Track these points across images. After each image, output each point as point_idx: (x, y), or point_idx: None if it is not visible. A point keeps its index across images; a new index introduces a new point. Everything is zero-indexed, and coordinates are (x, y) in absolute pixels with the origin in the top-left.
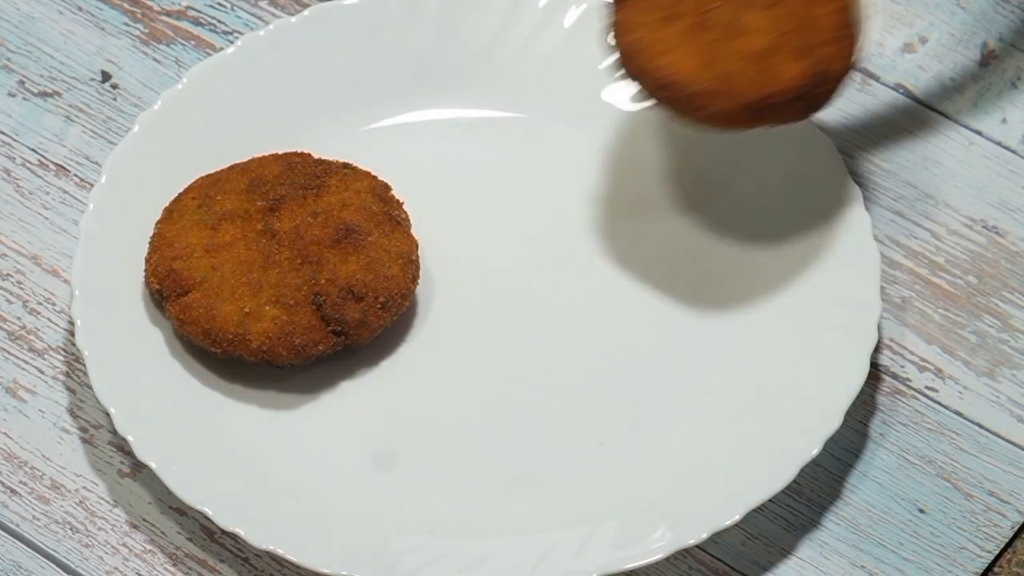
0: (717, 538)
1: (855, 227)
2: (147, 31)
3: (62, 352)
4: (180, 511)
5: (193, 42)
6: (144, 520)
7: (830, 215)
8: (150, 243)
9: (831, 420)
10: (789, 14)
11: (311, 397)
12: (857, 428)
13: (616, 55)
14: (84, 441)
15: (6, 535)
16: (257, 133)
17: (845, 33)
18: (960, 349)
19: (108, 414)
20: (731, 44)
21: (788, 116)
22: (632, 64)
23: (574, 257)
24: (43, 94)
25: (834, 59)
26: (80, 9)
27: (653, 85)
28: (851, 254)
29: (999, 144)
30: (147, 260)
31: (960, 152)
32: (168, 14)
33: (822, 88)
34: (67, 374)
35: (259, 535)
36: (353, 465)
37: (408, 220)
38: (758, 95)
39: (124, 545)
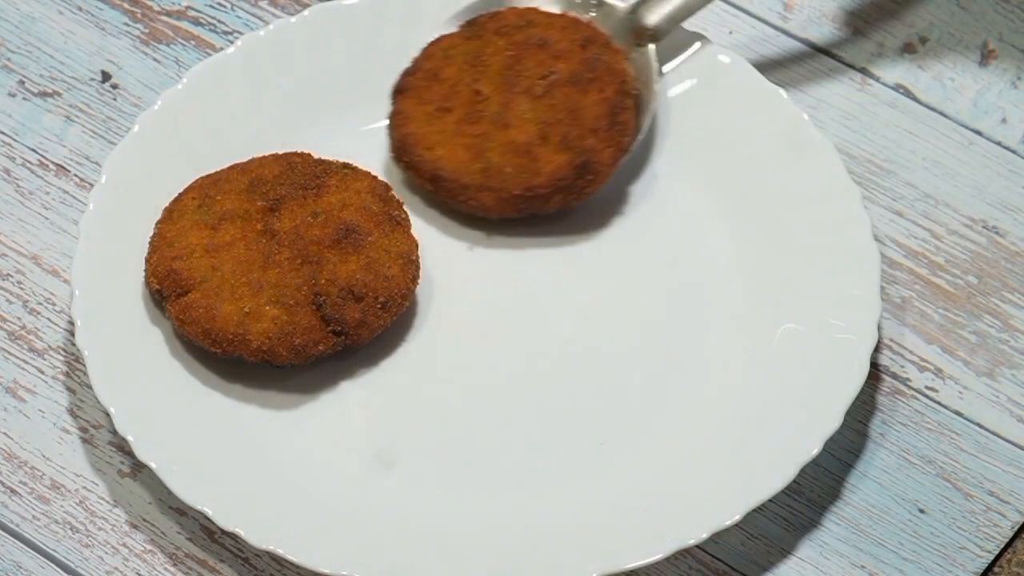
0: (717, 538)
1: (855, 227)
2: (147, 31)
3: (62, 352)
4: (180, 511)
5: (193, 42)
6: (144, 520)
7: (830, 215)
8: (150, 243)
9: (831, 420)
10: (557, 104)
11: (311, 397)
12: (857, 428)
13: (392, 145)
14: (84, 441)
15: (6, 535)
16: (257, 133)
17: (612, 122)
18: (960, 349)
19: (108, 414)
20: (498, 136)
21: (554, 204)
22: (404, 156)
23: (575, 256)
24: (43, 94)
25: (598, 150)
26: (80, 9)
27: (423, 177)
28: (851, 254)
29: (999, 144)
30: (147, 260)
31: (960, 152)
32: (168, 14)
33: (586, 178)
34: (67, 374)
35: (259, 535)
36: (353, 465)
37: (408, 220)
38: (520, 188)
39: (124, 545)
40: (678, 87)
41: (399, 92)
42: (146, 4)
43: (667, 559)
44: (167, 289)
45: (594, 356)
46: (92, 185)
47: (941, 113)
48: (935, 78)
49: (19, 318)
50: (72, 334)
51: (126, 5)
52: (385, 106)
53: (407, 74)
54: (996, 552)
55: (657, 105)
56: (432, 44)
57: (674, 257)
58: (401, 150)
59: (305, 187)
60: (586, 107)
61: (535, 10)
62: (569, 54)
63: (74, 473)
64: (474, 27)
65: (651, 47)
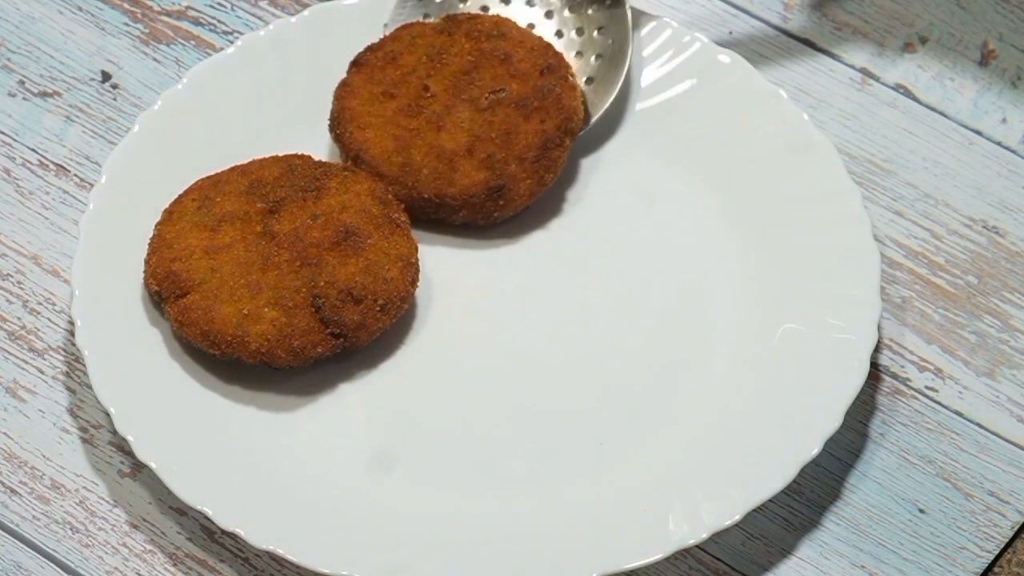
0: (717, 538)
1: (855, 227)
2: (147, 31)
3: (62, 352)
4: (180, 511)
5: (193, 42)
6: (144, 520)
7: (830, 215)
8: (149, 244)
9: (831, 420)
10: (496, 122)
11: (310, 399)
12: (857, 428)
13: (331, 114)
14: (84, 441)
15: (6, 535)
16: (257, 133)
17: (540, 155)
18: (960, 349)
19: (108, 414)
20: (429, 136)
21: (460, 218)
22: (336, 128)
23: (574, 257)
24: (43, 94)
25: (518, 179)
26: (80, 9)
27: (347, 153)
28: (851, 254)
29: (999, 144)
30: (146, 261)
31: (960, 152)
32: (168, 14)
33: (498, 203)
34: (67, 374)
35: (259, 535)
36: (353, 466)
37: (408, 223)
38: (430, 193)
39: (124, 545)
40: (678, 87)
41: (355, 64)
42: (146, 4)
43: (667, 559)
44: (166, 291)
45: (594, 357)
46: (92, 185)
47: (941, 113)
48: (935, 78)
49: (19, 318)
50: (72, 334)
51: (126, 5)
52: None
53: (369, 49)
54: (996, 552)
55: (631, 65)
56: (403, 27)
57: (674, 257)
58: (335, 122)
59: (305, 189)
60: (522, 133)
61: (512, 24)
62: (526, 76)
63: (74, 473)
64: (450, 22)
65: (628, 5)
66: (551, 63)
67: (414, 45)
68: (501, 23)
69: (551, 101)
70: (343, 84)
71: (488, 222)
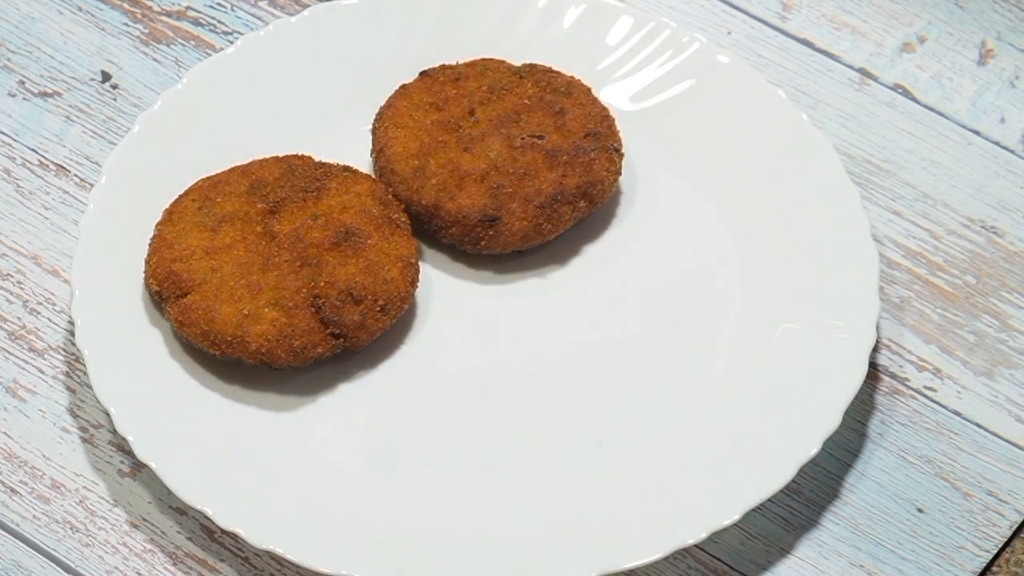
0: (716, 538)
1: (853, 227)
2: (147, 31)
3: (62, 352)
4: (180, 511)
5: (193, 42)
6: (144, 520)
7: (828, 215)
8: (150, 245)
9: (830, 420)
10: (518, 162)
11: (310, 399)
12: (856, 428)
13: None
14: (84, 441)
15: (6, 535)
16: (257, 134)
17: (547, 203)
18: (958, 349)
19: (108, 414)
20: (451, 154)
21: (448, 236)
22: (376, 120)
23: (573, 256)
24: (43, 94)
25: (516, 218)
26: (80, 9)
27: (374, 146)
28: (849, 254)
29: (997, 144)
30: (147, 262)
31: (958, 152)
32: (168, 14)
33: (488, 233)
34: (67, 374)
35: (259, 535)
36: (352, 466)
37: (408, 223)
38: (428, 202)
39: (124, 545)
40: (677, 87)
41: (421, 73)
42: (146, 4)
43: (666, 559)
44: (167, 291)
45: (593, 356)
46: (92, 185)
47: (939, 113)
48: (934, 78)
49: (19, 318)
50: (72, 334)
51: (126, 5)
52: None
53: (442, 66)
54: (995, 552)
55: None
56: (484, 59)
57: (673, 257)
58: (378, 116)
59: (305, 190)
60: (538, 179)
61: (585, 89)
62: (570, 133)
63: (74, 473)
64: (529, 67)
65: None
66: (600, 131)
67: (483, 76)
68: (575, 84)
69: (581, 162)
70: (402, 87)
71: (475, 249)
